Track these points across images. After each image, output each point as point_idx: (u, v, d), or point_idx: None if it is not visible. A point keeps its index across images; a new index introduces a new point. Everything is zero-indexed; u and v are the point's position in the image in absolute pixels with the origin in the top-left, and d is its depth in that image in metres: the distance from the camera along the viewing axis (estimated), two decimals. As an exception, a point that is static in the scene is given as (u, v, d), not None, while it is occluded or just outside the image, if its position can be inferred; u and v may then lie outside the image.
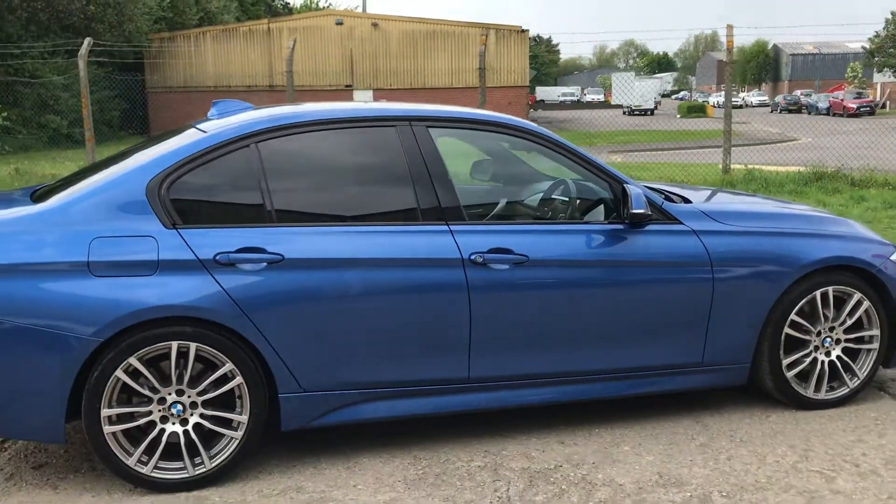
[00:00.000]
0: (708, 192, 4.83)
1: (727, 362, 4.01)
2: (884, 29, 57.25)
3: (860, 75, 65.45)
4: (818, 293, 4.04)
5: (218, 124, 3.68)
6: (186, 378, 3.35)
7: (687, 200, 4.26)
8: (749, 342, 4.00)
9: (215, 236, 3.39)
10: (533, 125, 3.97)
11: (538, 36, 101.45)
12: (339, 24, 39.31)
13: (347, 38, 39.43)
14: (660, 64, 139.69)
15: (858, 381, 4.20)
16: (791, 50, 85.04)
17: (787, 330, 4.04)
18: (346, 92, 39.33)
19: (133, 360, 3.27)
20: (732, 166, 12.13)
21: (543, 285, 3.70)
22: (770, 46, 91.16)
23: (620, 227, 3.83)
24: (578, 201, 4.12)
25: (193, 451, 3.40)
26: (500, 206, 4.22)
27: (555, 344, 3.75)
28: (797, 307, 4.02)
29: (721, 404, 4.25)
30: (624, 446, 3.78)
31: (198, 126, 3.75)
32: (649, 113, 53.72)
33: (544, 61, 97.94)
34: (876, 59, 59.09)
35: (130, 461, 3.33)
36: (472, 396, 3.72)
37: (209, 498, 3.35)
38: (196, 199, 3.49)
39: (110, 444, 3.30)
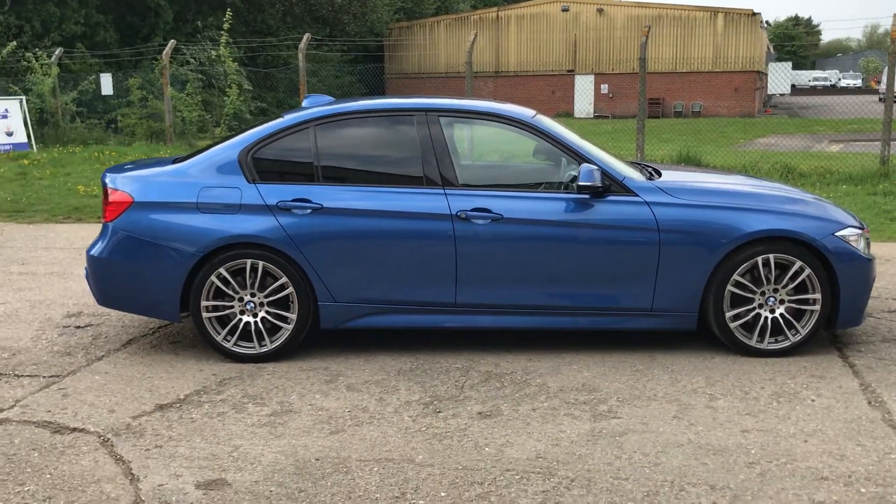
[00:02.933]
0: (688, 172, 5.68)
1: (674, 310, 4.97)
2: None
3: None
4: (759, 259, 4.88)
5: (293, 113, 5.24)
6: (256, 285, 4.95)
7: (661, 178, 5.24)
8: (694, 295, 4.93)
9: (279, 190, 4.96)
10: (522, 115, 5.14)
11: (796, 16, 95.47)
12: (565, 10, 40.33)
13: (572, 24, 40.36)
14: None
15: (800, 336, 4.97)
16: None
17: (730, 288, 4.91)
18: (567, 77, 40.37)
19: (223, 270, 4.92)
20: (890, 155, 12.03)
21: (515, 237, 4.90)
22: None
23: (585, 196, 4.92)
24: (565, 177, 5.24)
25: (260, 337, 5.01)
26: (503, 177, 5.45)
27: (524, 282, 4.94)
28: (739, 269, 4.89)
29: (681, 347, 5.20)
30: (574, 365, 4.91)
31: (284, 114, 5.34)
32: (905, 99, 49.35)
33: (802, 44, 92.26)
34: None
35: (219, 338, 5.01)
36: (458, 317, 5.02)
37: (266, 367, 4.94)
38: (270, 164, 5.07)
39: (207, 325, 4.99)
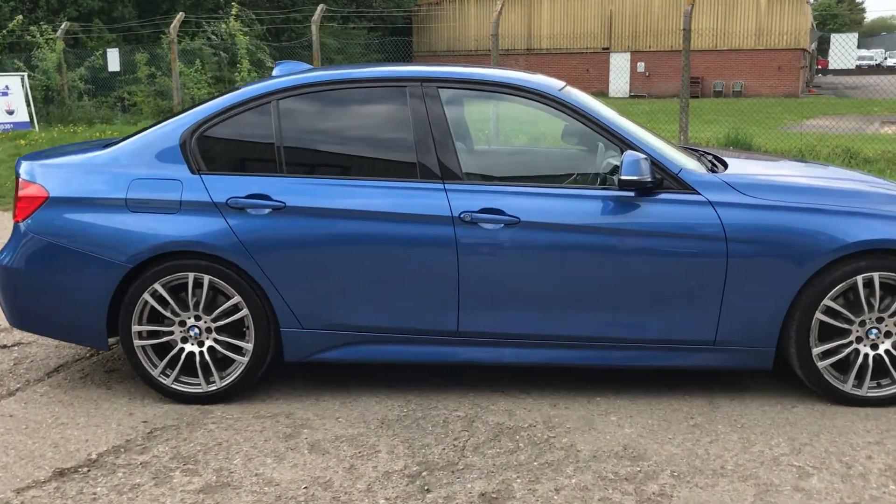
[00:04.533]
0: (762, 162, 4.46)
1: (744, 343, 3.78)
2: None
3: None
4: (860, 278, 3.67)
5: (254, 84, 4.10)
6: (202, 305, 3.84)
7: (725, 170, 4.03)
8: (770, 324, 3.74)
9: (231, 182, 3.83)
10: (545, 87, 3.93)
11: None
12: (601, -16, 38.79)
13: (608, -2, 38.76)
14: None
15: (912, 381, 3.76)
16: None
17: (819, 315, 3.71)
18: (602, 54, 38.85)
19: (158, 287, 3.81)
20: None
21: (535, 247, 3.73)
22: None
23: (628, 193, 3.74)
24: (602, 167, 4.06)
25: (207, 371, 3.90)
26: (521, 167, 4.27)
27: (546, 306, 3.78)
28: (832, 292, 3.68)
29: (750, 391, 4.01)
30: (612, 416, 3.74)
31: (245, 85, 4.20)
32: (958, 79, 47.22)
33: (845, 21, 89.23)
34: None
35: (155, 372, 3.90)
36: (461, 350, 3.87)
37: (213, 412, 3.84)
38: (220, 149, 3.94)
39: (140, 356, 3.89)
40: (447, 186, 3.78)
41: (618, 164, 3.93)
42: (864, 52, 79.65)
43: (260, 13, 29.59)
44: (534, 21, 38.95)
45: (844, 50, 10.56)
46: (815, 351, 3.75)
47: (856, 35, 10.61)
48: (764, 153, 7.52)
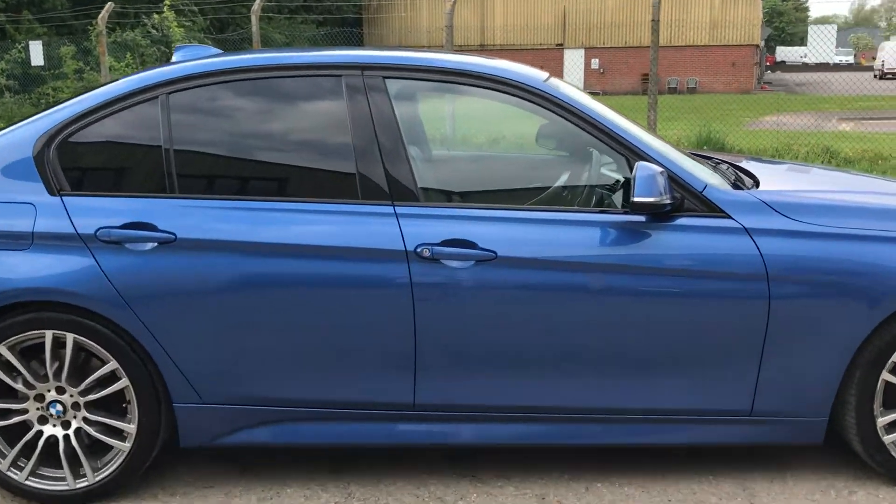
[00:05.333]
0: (798, 173, 3.59)
1: (790, 413, 2.89)
2: None
3: None
4: (941, 328, 2.79)
5: (136, 75, 3.07)
6: (65, 373, 2.81)
7: (758, 186, 3.12)
8: (822, 388, 2.85)
9: (102, 206, 2.81)
10: (526, 77, 2.97)
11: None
12: (554, -21, 38.14)
13: (562, -9, 38.06)
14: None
15: None
16: None
17: (885, 376, 2.83)
18: (556, 51, 38.20)
19: (3, 349, 2.78)
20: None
21: (517, 292, 2.79)
22: None
23: (638, 218, 2.81)
24: (598, 179, 3.13)
25: (75, 462, 2.88)
26: (495, 180, 3.33)
27: (533, 369, 2.84)
28: (904, 346, 2.81)
29: (793, 469, 3.11)
30: (620, 513, 2.82)
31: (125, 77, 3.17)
32: (905, 77, 47.65)
33: (790, 19, 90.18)
34: None
35: (3, 464, 2.87)
36: (420, 427, 2.91)
37: (82, 519, 2.82)
38: (88, 161, 2.92)
39: (-19, 441, 2.86)
40: (399, 209, 2.82)
41: (619, 177, 3.04)
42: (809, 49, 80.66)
43: (203, 5, 28.18)
44: (487, 16, 38.15)
45: (823, 41, 9.83)
46: (881, 421, 2.87)
47: (835, 26, 9.91)
48: (758, 157, 6.69)
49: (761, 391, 2.85)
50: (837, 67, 62.78)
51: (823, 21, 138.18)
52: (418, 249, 2.75)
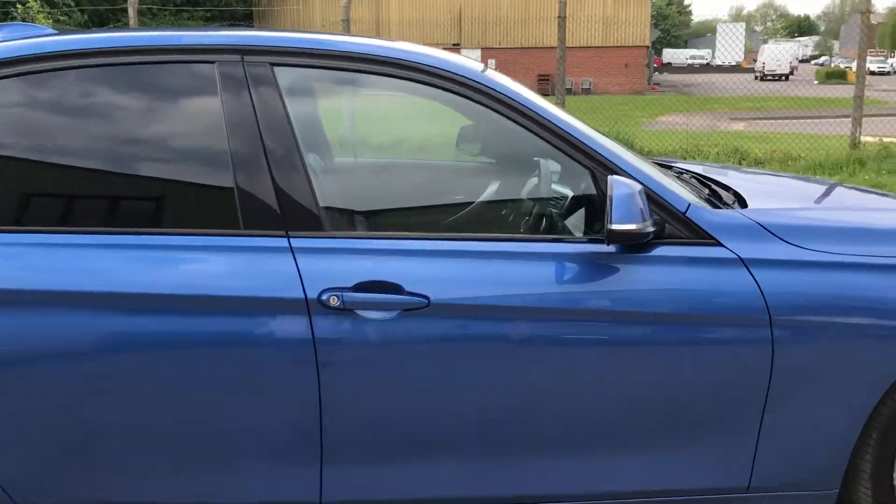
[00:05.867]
0: (794, 186, 3.07)
1: (794, 487, 2.32)
2: None
3: None
4: (971, 377, 2.27)
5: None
6: None
7: (745, 205, 2.54)
8: (837, 455, 2.30)
9: None
10: (458, 68, 2.30)
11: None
12: (449, -23, 37.69)
13: (456, -11, 37.62)
14: (800, 27, 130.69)
15: None
16: (951, 11, 76.93)
17: (908, 437, 2.30)
18: (453, 51, 37.76)
19: None
20: (863, 139, 9.88)
21: (457, 349, 2.11)
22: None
23: (607, 249, 2.18)
24: (550, 194, 2.49)
25: None
26: (421, 196, 2.65)
27: (476, 450, 2.18)
28: (929, 399, 2.28)
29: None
30: None
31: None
32: (783, 78, 49.56)
33: (675, 23, 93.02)
34: None
35: None
36: (329, 530, 2.19)
37: None
38: None
39: None
40: (295, 242, 2.10)
41: (567, 192, 2.40)
42: (695, 52, 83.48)
43: (81, -1, 26.35)
44: (382, 16, 37.38)
45: (732, 41, 9.58)
46: (902, 492, 2.34)
47: (743, 25, 9.70)
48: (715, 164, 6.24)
49: (761, 462, 2.27)
50: (720, 69, 65.10)
51: (704, 25, 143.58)
52: (324, 297, 2.04)
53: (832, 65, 66.20)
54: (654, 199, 2.20)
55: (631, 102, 27.66)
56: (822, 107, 24.13)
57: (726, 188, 2.74)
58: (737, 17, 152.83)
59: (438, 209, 2.57)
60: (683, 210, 2.24)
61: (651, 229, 2.08)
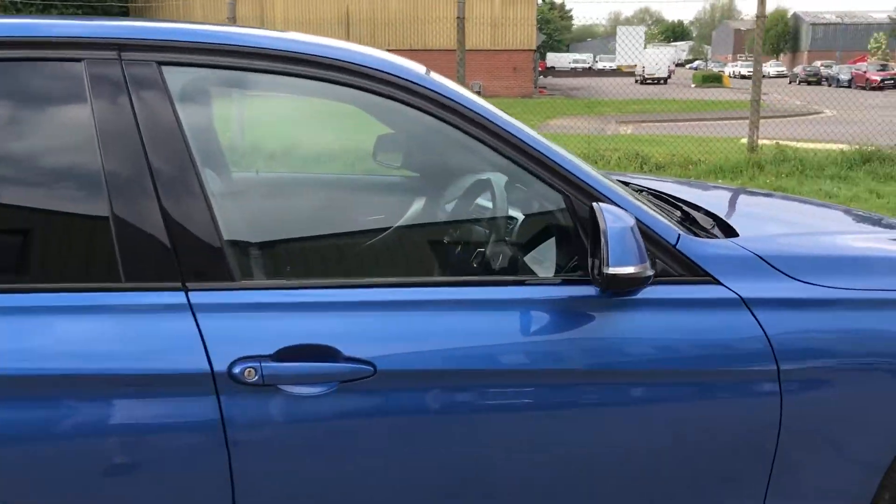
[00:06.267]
0: (768, 204, 2.75)
1: (803, 561, 1.98)
2: (913, -2, 54.19)
3: (884, 47, 62.44)
4: None
5: None
6: None
7: (729, 229, 2.18)
8: (850, 523, 1.97)
9: None
10: (398, 69, 1.85)
11: (552, 0, 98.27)
12: (335, -24, 36.97)
13: (342, -13, 36.91)
14: (675, 32, 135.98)
15: None
16: (811, 19, 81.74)
17: (923, 496, 1.99)
18: (340, 52, 37.06)
19: None
20: (760, 142, 9.97)
21: (411, 427, 1.66)
22: (790, 15, 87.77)
23: (587, 292, 1.77)
24: (508, 231, 2.07)
25: None
26: (354, 224, 2.18)
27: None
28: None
29: None
30: None
31: None
32: (662, 82, 51.17)
33: (557, 27, 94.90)
34: (902, 29, 56.13)
35: None
36: None
37: None
38: None
39: None
40: (195, 297, 1.60)
41: (517, 214, 2.01)
42: (577, 56, 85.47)
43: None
44: (267, 6, 36.29)
45: (632, 43, 9.48)
46: (915, 559, 2.03)
47: (643, 28, 9.62)
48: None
49: (766, 533, 1.92)
50: (602, 73, 66.75)
51: (586, 30, 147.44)
52: (236, 370, 1.55)
53: (707, 68, 68.99)
54: (647, 232, 1.81)
55: (521, 105, 27.74)
56: (704, 109, 24.90)
57: (698, 209, 2.39)
58: (615, 22, 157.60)
59: (377, 243, 2.10)
60: (674, 242, 1.86)
61: (651, 272, 1.68)
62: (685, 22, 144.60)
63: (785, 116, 23.31)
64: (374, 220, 2.41)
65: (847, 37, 77.68)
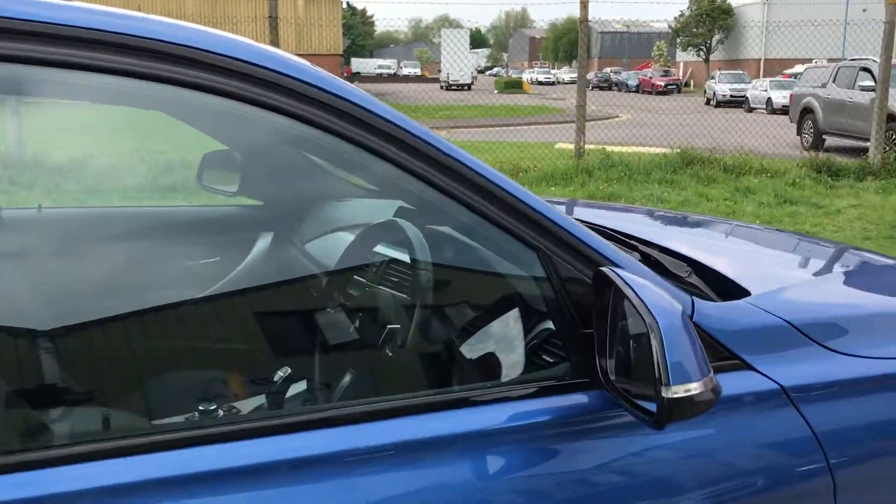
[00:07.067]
0: (722, 234, 2.27)
1: None
2: (688, 8, 58.60)
3: (665, 54, 67.16)
4: None
5: None
6: None
7: (738, 287, 1.62)
8: None
9: None
10: (317, 75, 1.18)
11: (352, 6, 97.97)
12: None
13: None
14: (474, 40, 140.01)
15: None
16: (601, 28, 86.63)
17: None
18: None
19: None
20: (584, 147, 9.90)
21: None
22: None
23: (592, 404, 1.17)
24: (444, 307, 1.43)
25: None
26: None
27: None
28: None
29: None
30: None
31: None
32: (467, 88, 51.94)
33: (360, 32, 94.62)
34: (680, 38, 60.50)
35: None
36: None
37: None
38: None
39: None
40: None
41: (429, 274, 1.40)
42: (382, 62, 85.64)
43: None
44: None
45: (459, 47, 9.11)
46: None
47: (468, 30, 9.27)
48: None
49: None
50: (407, 79, 67.15)
51: (389, 37, 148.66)
52: None
53: (507, 74, 71.14)
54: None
55: (332, 111, 26.85)
56: (511, 115, 25.27)
57: (659, 248, 1.83)
58: (416, 29, 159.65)
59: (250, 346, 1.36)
60: (689, 312, 1.29)
61: (720, 387, 1.10)
62: (482, 30, 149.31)
63: (588, 121, 24.09)
64: (228, 290, 1.66)
65: (632, 45, 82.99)
